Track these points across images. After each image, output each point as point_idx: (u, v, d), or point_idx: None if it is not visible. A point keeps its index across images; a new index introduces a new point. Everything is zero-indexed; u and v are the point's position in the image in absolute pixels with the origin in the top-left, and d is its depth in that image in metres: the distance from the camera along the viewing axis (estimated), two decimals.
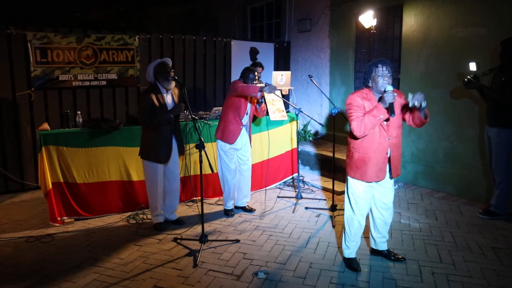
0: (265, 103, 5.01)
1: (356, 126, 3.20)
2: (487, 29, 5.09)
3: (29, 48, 5.68)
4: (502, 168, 4.60)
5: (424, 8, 5.78)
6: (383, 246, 3.76)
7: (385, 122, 3.26)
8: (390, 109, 3.14)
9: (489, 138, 4.67)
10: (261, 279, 3.40)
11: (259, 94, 4.27)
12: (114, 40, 6.32)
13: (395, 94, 3.15)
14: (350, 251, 3.63)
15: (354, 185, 3.49)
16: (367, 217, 3.68)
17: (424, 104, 3.07)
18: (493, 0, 5.01)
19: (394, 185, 5.90)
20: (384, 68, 3.21)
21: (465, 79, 4.61)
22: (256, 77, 4.69)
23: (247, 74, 4.66)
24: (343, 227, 3.68)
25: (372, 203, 3.61)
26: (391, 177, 3.46)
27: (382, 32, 6.53)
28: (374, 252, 3.83)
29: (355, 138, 3.36)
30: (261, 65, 6.66)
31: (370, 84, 3.31)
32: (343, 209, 4.99)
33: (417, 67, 5.95)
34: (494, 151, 4.63)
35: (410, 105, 3.08)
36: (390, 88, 3.13)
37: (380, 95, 3.24)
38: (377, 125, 3.21)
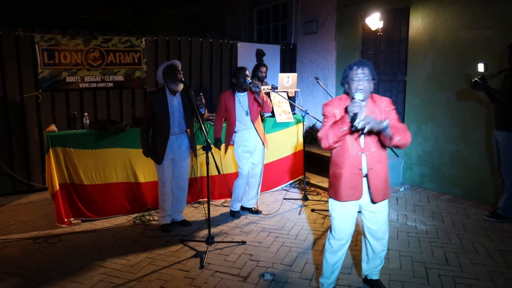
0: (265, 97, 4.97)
1: (320, 137, 2.81)
2: (494, 31, 5.07)
3: (37, 50, 5.72)
4: (511, 171, 4.57)
5: (431, 10, 5.77)
6: (373, 276, 3.29)
7: (362, 136, 2.83)
8: (352, 121, 2.64)
9: (497, 142, 4.65)
10: (268, 281, 3.41)
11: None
12: (121, 42, 6.35)
13: (364, 103, 2.74)
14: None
15: (330, 204, 3.03)
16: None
17: (369, 126, 2.62)
18: (500, 2, 4.99)
19: (400, 188, 5.92)
20: (360, 71, 2.76)
21: (472, 80, 4.58)
22: (248, 74, 4.65)
23: (238, 73, 4.64)
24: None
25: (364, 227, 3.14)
26: (372, 201, 2.91)
27: (389, 34, 6.52)
28: (365, 281, 3.37)
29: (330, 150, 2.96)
30: (264, 65, 6.67)
31: (347, 89, 2.87)
32: None
33: (423, 69, 5.93)
34: (502, 155, 4.61)
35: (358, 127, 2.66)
36: (358, 96, 2.70)
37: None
38: (342, 137, 2.75)
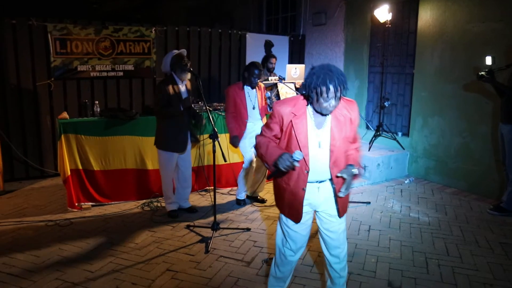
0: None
1: (257, 142, 2.51)
2: (503, 24, 5.06)
3: (49, 39, 5.84)
4: None
5: (440, 2, 5.76)
6: None
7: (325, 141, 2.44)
8: (275, 171, 2.38)
9: (502, 135, 4.68)
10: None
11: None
12: (131, 32, 6.44)
13: (295, 163, 2.28)
14: None
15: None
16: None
17: (348, 177, 2.39)
18: None
19: (405, 180, 5.97)
20: (331, 92, 2.24)
21: (479, 74, 4.59)
22: (258, 74, 4.65)
23: (252, 70, 4.62)
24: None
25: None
26: (339, 214, 2.57)
27: (397, 27, 6.53)
28: None
29: None
30: (274, 56, 6.72)
31: (307, 96, 2.39)
32: (354, 201, 5.08)
33: (431, 62, 5.94)
34: (507, 149, 4.63)
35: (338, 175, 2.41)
36: (297, 156, 2.26)
37: (318, 114, 2.39)
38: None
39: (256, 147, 2.51)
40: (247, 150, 4.85)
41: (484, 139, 5.37)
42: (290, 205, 2.53)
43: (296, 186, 2.48)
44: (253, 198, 5.17)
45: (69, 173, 4.64)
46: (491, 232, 4.27)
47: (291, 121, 2.42)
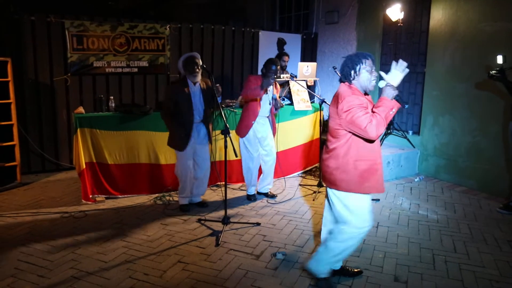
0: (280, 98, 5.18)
1: (375, 127, 2.64)
2: None
3: (67, 36, 5.98)
4: None
5: (452, 1, 5.76)
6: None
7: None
8: (401, 101, 2.78)
9: (511, 134, 4.68)
10: (279, 260, 3.58)
11: (261, 92, 4.63)
12: (146, 29, 6.55)
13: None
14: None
15: (359, 199, 2.91)
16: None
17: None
18: None
19: (415, 178, 6.00)
20: (372, 63, 2.86)
21: (490, 72, 4.59)
22: (278, 69, 4.73)
23: (269, 66, 4.68)
24: None
25: None
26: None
27: (409, 25, 6.54)
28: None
29: (344, 146, 2.86)
30: (286, 54, 6.78)
31: (354, 78, 2.84)
32: None
33: (443, 61, 5.95)
34: None
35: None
36: (383, 83, 2.78)
37: (364, 91, 2.88)
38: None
39: (382, 123, 2.67)
40: (251, 143, 4.93)
41: (495, 138, 5.36)
42: (380, 178, 2.91)
43: (380, 158, 2.95)
44: (264, 194, 5.25)
45: (84, 166, 4.77)
46: (499, 230, 4.28)
47: (367, 102, 2.82)
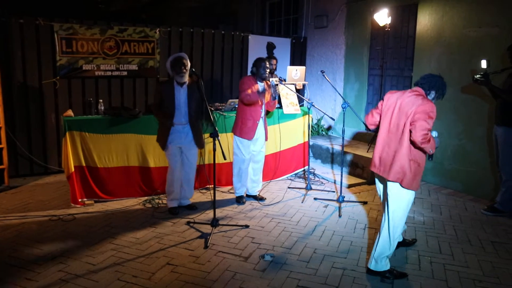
0: (279, 97, 5.23)
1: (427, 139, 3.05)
2: (500, 29, 5.17)
3: (56, 39, 5.97)
4: (508, 166, 4.70)
5: (438, 7, 5.87)
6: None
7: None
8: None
9: (496, 137, 4.78)
10: (267, 262, 3.62)
11: (261, 89, 4.75)
12: (135, 32, 6.57)
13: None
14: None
15: (410, 196, 3.28)
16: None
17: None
18: (507, 0, 5.08)
19: None
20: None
21: (475, 76, 4.69)
22: (268, 67, 4.84)
23: (259, 63, 4.81)
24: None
25: None
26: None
27: (397, 30, 6.64)
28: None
29: (413, 145, 3.17)
30: (274, 58, 6.84)
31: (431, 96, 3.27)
32: (351, 201, 5.19)
33: (429, 65, 6.05)
34: (500, 150, 4.74)
35: None
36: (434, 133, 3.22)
37: None
38: None
39: (429, 145, 3.05)
40: (243, 144, 4.96)
41: (480, 141, 5.46)
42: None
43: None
44: (253, 196, 5.28)
45: (73, 169, 4.76)
46: (483, 231, 4.37)
47: None
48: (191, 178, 4.83)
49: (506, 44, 4.92)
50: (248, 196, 5.30)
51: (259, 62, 4.84)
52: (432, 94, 3.26)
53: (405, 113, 3.15)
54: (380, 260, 3.35)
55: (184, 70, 4.42)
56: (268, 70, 4.84)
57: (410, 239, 4.00)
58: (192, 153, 4.73)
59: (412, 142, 3.12)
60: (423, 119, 3.03)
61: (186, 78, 4.50)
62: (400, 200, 3.26)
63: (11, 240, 3.95)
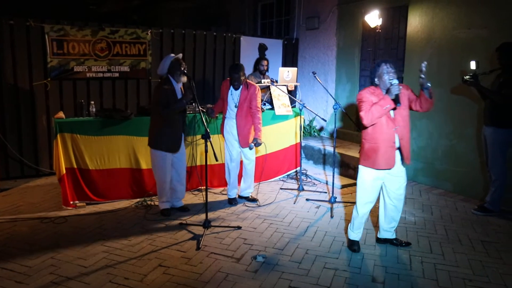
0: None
1: (364, 115, 3.50)
2: (489, 30, 5.23)
3: (47, 40, 5.94)
4: (498, 166, 4.75)
5: (428, 9, 5.92)
6: (392, 235, 4.03)
7: (392, 114, 3.59)
8: (396, 100, 3.48)
9: (485, 137, 4.83)
10: (259, 262, 3.63)
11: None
12: (127, 34, 6.55)
13: (401, 87, 3.51)
14: (353, 235, 3.94)
15: (363, 173, 3.75)
16: (377, 209, 4.02)
17: (427, 84, 3.52)
18: (496, 2, 5.14)
19: None
20: (388, 66, 3.59)
21: (464, 77, 4.74)
22: (238, 77, 4.86)
23: (230, 73, 4.88)
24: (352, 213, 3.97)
25: (385, 195, 3.86)
26: (403, 164, 3.73)
27: (388, 32, 6.69)
28: (381, 241, 4.06)
29: (365, 128, 3.67)
30: (265, 59, 6.87)
31: (377, 82, 3.64)
32: (343, 202, 5.23)
33: (420, 66, 6.07)
34: (489, 150, 4.79)
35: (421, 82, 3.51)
36: (395, 81, 3.47)
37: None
38: (383, 114, 3.50)
39: (372, 113, 3.47)
40: (228, 144, 5.09)
41: (470, 141, 5.52)
42: (385, 157, 3.65)
43: (388, 142, 3.63)
44: (245, 197, 5.29)
45: (64, 171, 4.74)
46: (474, 231, 4.41)
47: (375, 99, 3.58)
48: (183, 177, 4.83)
49: (494, 45, 4.98)
50: (241, 197, 5.31)
51: (230, 72, 4.91)
52: (376, 80, 3.68)
53: None
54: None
55: (186, 70, 4.48)
56: (236, 82, 4.88)
57: (404, 242, 4.04)
58: (183, 152, 4.75)
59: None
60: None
61: (185, 78, 4.55)
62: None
63: (2, 242, 3.92)
